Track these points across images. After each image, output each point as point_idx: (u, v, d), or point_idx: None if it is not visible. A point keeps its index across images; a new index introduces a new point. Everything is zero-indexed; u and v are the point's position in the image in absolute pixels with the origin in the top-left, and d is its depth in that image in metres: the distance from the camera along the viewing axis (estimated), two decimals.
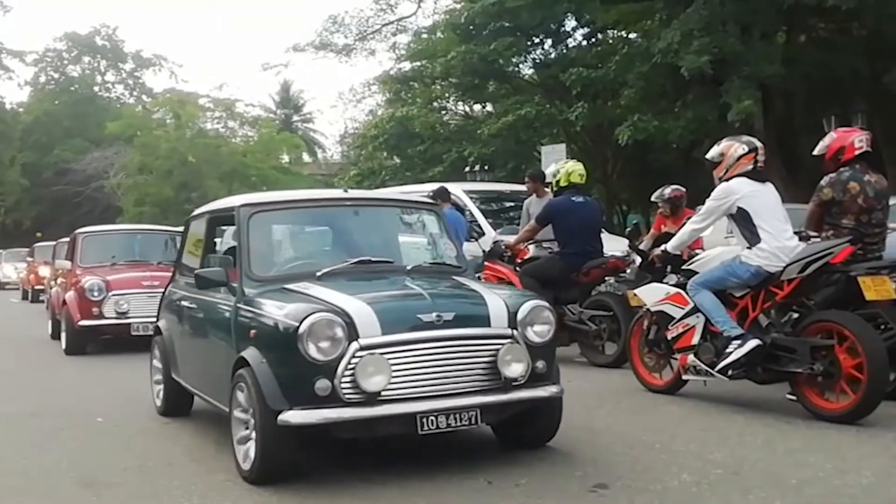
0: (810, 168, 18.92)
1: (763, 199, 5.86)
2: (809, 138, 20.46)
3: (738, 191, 5.85)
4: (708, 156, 6.23)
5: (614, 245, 9.93)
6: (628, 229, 11.31)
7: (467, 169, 27.97)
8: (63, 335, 10.87)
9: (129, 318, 10.37)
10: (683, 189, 9.74)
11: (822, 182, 6.13)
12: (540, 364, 4.58)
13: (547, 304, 4.79)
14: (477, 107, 33.18)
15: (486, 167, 28.00)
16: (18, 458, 5.33)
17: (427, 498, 4.15)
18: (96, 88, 53.01)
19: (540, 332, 4.60)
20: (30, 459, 5.28)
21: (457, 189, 11.83)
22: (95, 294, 10.38)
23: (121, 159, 42.53)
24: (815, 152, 6.29)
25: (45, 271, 20.07)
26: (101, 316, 10.38)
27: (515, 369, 4.42)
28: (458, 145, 29.68)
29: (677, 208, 9.42)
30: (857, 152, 6.08)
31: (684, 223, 9.27)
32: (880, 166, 18.99)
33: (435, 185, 11.09)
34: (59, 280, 12.46)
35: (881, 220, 6.08)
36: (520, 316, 4.57)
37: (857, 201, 5.96)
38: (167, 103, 42.67)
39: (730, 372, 5.82)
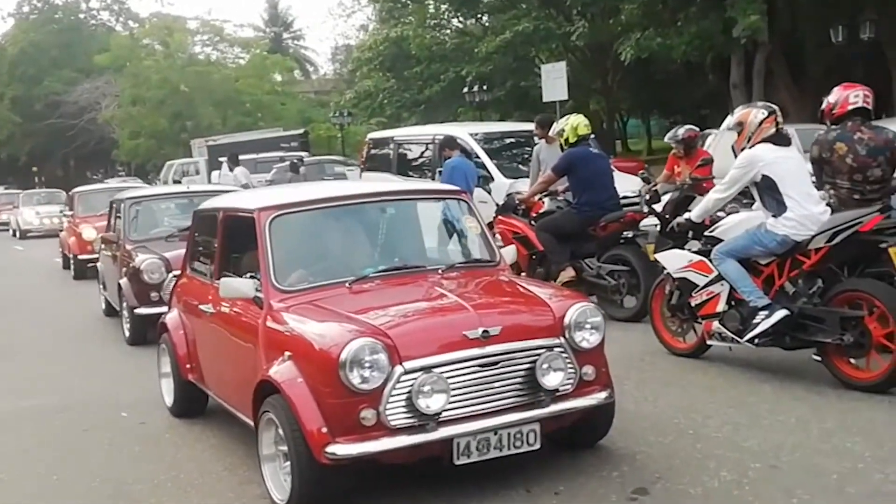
0: (818, 81, 18.58)
1: (787, 165, 5.71)
2: (816, 51, 20.11)
3: (762, 158, 5.69)
4: (724, 126, 6.09)
5: (626, 185, 9.80)
6: (641, 172, 11.12)
7: (465, 89, 27.48)
8: None
9: None
10: (697, 129, 9.58)
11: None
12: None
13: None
14: (473, 22, 32.44)
15: (484, 86, 27.51)
16: (47, 460, 5.34)
17: None
18: (81, 16, 51.98)
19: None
20: (58, 463, 5.33)
21: (462, 133, 11.63)
22: None
23: (112, 89, 41.94)
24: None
25: (90, 233, 13.66)
26: None
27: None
28: (455, 65, 29.14)
29: (691, 149, 9.24)
30: (849, 107, 6.01)
31: (699, 164, 9.14)
32: (886, 76, 18.68)
33: (436, 127, 10.88)
34: None
35: (879, 177, 5.95)
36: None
37: (846, 161, 5.93)
38: (155, 31, 41.81)
39: (757, 341, 5.77)
